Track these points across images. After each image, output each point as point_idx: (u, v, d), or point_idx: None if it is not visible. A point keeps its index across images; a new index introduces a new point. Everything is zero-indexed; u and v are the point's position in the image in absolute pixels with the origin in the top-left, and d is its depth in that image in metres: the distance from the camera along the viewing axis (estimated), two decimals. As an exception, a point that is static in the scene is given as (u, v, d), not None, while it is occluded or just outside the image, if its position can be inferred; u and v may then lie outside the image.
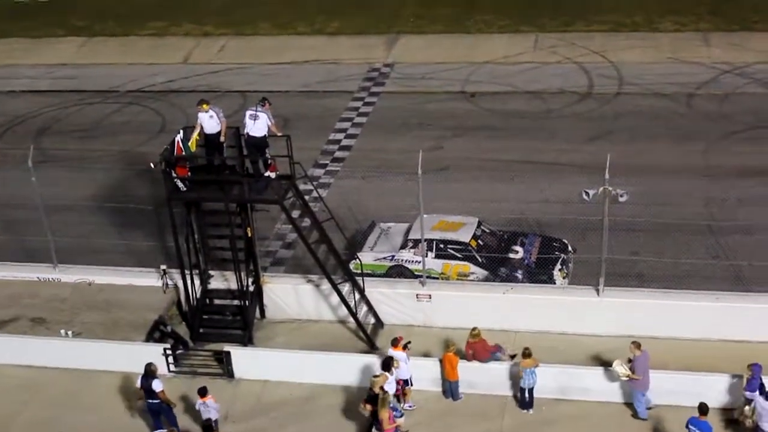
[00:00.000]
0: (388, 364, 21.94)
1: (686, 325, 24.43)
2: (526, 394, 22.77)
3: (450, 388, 23.35)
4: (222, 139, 24.50)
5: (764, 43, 41.48)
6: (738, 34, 42.88)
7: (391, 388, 21.64)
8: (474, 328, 23.28)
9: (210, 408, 22.17)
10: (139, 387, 22.41)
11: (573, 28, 44.91)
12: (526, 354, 22.35)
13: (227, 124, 24.69)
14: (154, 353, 23.79)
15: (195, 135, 24.39)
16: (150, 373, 22.24)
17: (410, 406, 23.18)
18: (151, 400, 22.36)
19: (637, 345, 22.00)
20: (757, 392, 20.99)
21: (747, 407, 21.37)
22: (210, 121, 24.39)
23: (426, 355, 23.96)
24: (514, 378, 23.00)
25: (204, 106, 24.35)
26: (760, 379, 21.10)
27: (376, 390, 21.24)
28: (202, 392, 22.09)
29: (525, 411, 22.93)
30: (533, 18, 46.15)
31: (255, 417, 23.33)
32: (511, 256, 26.90)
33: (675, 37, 43.22)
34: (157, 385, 22.17)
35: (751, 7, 45.24)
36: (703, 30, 43.61)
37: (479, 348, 23.32)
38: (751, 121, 35.21)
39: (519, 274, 26.57)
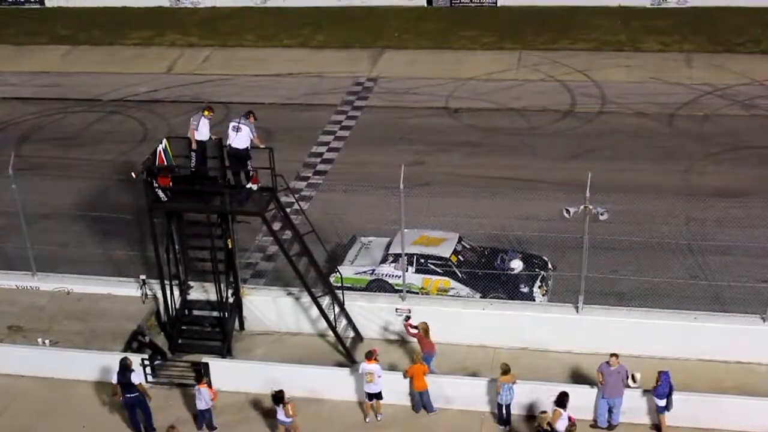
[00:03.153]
0: (563, 400, 21.31)
1: (664, 344, 24.52)
2: (504, 410, 22.80)
3: (421, 399, 23.32)
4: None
5: (745, 65, 41.78)
6: (721, 55, 43.17)
7: (562, 424, 21.05)
8: (423, 323, 23.89)
9: (202, 396, 22.58)
10: (115, 383, 22.58)
11: (557, 46, 45.11)
12: (504, 370, 22.37)
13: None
14: (132, 363, 23.68)
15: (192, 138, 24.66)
16: (126, 367, 22.47)
17: (380, 417, 23.37)
18: (129, 394, 22.56)
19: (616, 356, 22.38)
20: (665, 399, 21.87)
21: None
22: (207, 128, 24.67)
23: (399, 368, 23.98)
24: (492, 394, 23.01)
25: (207, 112, 24.71)
26: (669, 385, 21.78)
27: (544, 426, 20.98)
28: (198, 378, 22.74)
29: (502, 427, 22.96)
30: (517, 35, 46.34)
31: (233, 429, 23.24)
32: (512, 266, 26.87)
33: (658, 57, 43.46)
34: (135, 378, 22.49)
35: (735, 29, 45.56)
36: (686, 51, 43.88)
37: (424, 342, 23.86)
38: (730, 142, 35.45)
39: (524, 288, 26.51)
